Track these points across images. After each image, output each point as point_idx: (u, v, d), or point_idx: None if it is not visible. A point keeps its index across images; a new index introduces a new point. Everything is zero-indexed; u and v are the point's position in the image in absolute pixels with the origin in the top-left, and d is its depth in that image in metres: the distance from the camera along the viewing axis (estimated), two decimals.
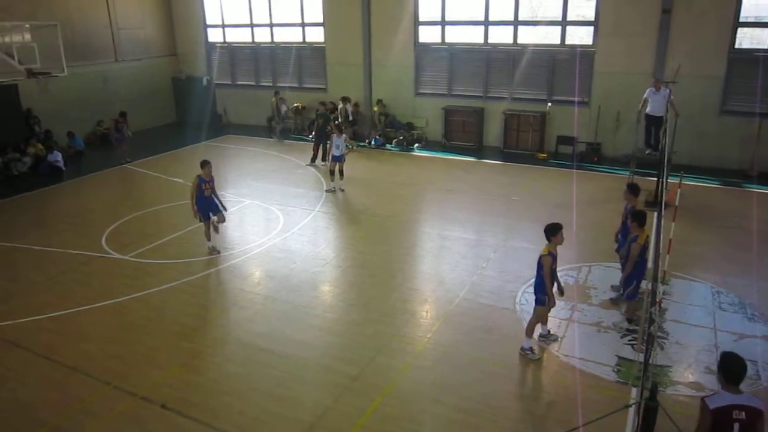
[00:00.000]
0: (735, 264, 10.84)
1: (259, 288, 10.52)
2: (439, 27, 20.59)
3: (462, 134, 20.40)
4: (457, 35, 20.54)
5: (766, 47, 16.82)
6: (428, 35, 20.90)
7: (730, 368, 4.79)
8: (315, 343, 8.74)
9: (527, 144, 19.37)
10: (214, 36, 25.45)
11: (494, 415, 7.04)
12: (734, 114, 17.40)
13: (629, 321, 9.00)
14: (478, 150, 20.00)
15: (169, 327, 9.27)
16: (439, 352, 8.37)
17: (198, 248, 12.01)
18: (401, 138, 20.73)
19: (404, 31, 20.90)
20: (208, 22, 25.36)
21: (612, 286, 10.02)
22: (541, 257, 7.96)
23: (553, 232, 7.95)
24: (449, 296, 9.91)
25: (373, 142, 20.81)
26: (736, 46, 17.03)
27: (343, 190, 15.65)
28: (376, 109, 21.03)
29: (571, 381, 7.70)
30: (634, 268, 8.61)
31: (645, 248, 8.55)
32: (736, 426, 4.64)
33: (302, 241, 12.50)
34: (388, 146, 20.73)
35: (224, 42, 25.24)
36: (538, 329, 8.55)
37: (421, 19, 20.78)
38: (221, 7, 24.70)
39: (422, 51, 21.07)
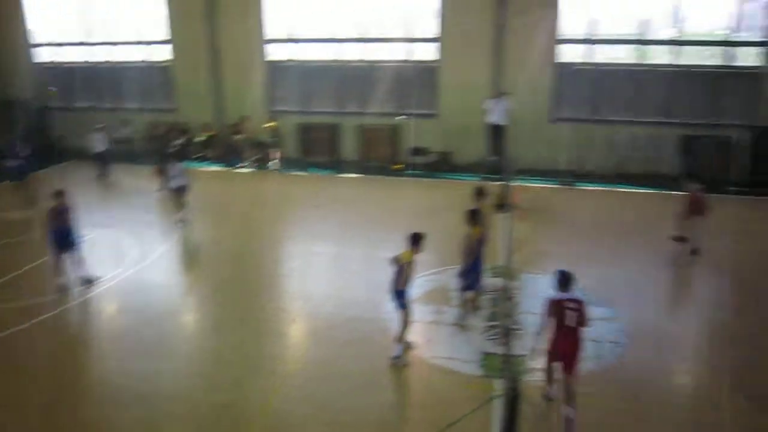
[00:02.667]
0: (573, 255, 11.92)
1: (115, 323, 9.74)
2: (289, 44, 20.61)
3: (319, 150, 20.52)
4: (309, 52, 20.68)
5: (581, 61, 18.91)
6: (279, 53, 20.82)
7: (561, 278, 7.26)
8: (179, 375, 8.27)
9: (383, 156, 19.94)
10: (44, 55, 23.28)
11: (371, 426, 7.10)
12: (562, 120, 19.30)
13: (463, 317, 9.48)
14: (336, 165, 20.22)
15: (21, 373, 8.26)
16: (310, 369, 8.29)
17: (45, 285, 10.82)
18: (256, 157, 20.33)
19: (254, 49, 20.63)
20: (36, 40, 23.17)
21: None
22: (404, 264, 8.17)
23: (419, 240, 8.36)
24: (317, 312, 9.87)
25: (236, 163, 20.06)
26: (559, 60, 18.94)
27: (185, 221, 14.18)
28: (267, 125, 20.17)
29: (440, 381, 8.00)
30: (469, 263, 9.18)
31: (479, 243, 9.17)
32: (568, 312, 7.01)
33: (158, 272, 11.79)
34: (248, 167, 20.23)
35: (55, 61, 23.19)
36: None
37: (270, 36, 20.66)
38: (46, 23, 22.62)
39: (274, 68, 20.93)
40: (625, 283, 11.25)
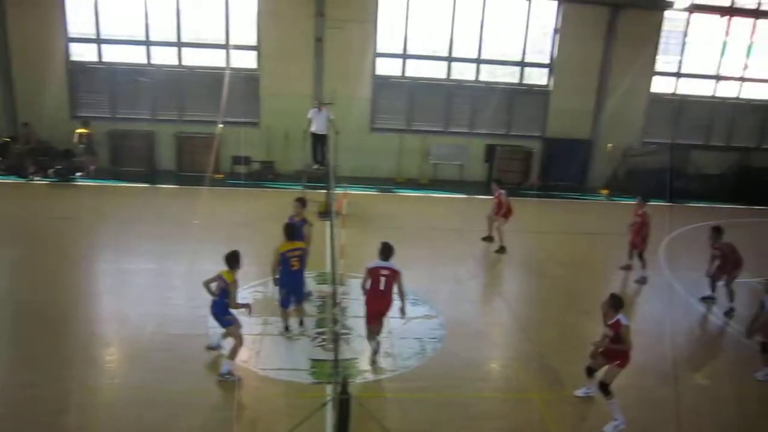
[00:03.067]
0: (395, 258, 12.49)
1: None
2: (95, 45, 18.94)
3: (132, 159, 19.13)
4: (117, 55, 19.20)
5: (398, 74, 20.00)
6: (82, 54, 19.05)
7: (382, 248, 8.55)
8: None
9: (202, 165, 19.13)
10: None
11: None
12: (381, 130, 20.24)
13: (286, 328, 9.39)
14: (151, 175, 18.99)
15: None
16: (131, 395, 7.68)
17: None
18: (59, 167, 18.35)
19: (53, 47, 18.59)
20: None
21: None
22: (228, 284, 7.99)
23: (235, 259, 8.14)
24: (136, 333, 9.18)
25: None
26: (377, 72, 19.81)
27: None
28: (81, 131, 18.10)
29: (272, 393, 7.90)
30: (280, 277, 9.08)
31: (300, 258, 9.02)
32: (382, 279, 8.32)
33: None
34: (45, 177, 18.11)
35: None
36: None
37: (71, 35, 18.81)
38: None
39: (76, 71, 19.06)
40: (443, 282, 12.11)
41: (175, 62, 19.25)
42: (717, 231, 11.48)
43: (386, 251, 8.52)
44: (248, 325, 9.51)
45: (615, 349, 7.54)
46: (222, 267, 8.22)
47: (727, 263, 11.26)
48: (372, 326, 8.66)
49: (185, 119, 19.54)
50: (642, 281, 12.74)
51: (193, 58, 19.35)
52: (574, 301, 11.73)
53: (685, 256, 14.45)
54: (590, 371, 8.00)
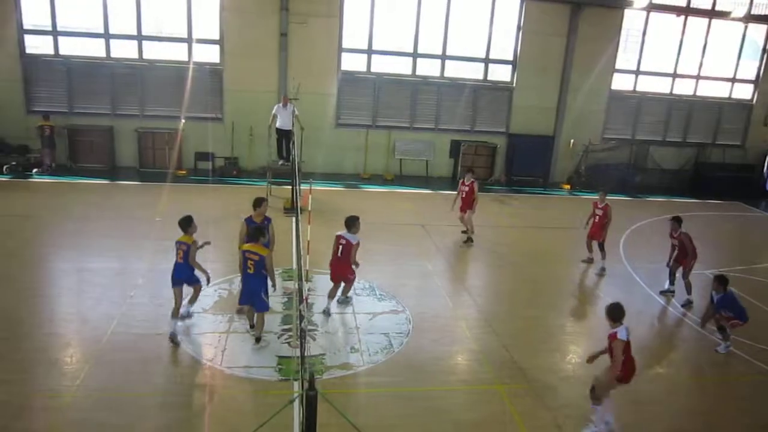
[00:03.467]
0: (361, 254, 12.50)
1: None
2: (51, 38, 18.37)
3: (91, 155, 18.65)
4: (75, 48, 18.65)
5: (363, 70, 19.94)
6: (38, 47, 18.46)
7: (347, 221, 10.02)
8: None
9: (165, 162, 18.83)
10: None
11: None
12: (346, 126, 20.20)
13: (251, 326, 9.23)
14: (112, 171, 18.57)
15: None
16: (93, 398, 7.52)
17: None
18: (14, 164, 17.80)
19: (7, 41, 17.96)
20: None
21: None
22: (189, 246, 8.80)
23: (190, 223, 8.91)
24: (97, 334, 8.99)
25: None
26: (343, 68, 19.76)
27: None
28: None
29: (238, 391, 7.85)
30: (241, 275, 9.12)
31: (244, 258, 8.71)
32: (340, 247, 9.90)
33: None
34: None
35: None
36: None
37: (26, 27, 18.21)
38: None
39: (32, 64, 18.46)
40: (410, 277, 12.18)
41: (136, 56, 18.82)
42: (677, 220, 11.77)
43: (347, 222, 10.02)
44: (213, 323, 9.45)
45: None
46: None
47: (685, 253, 11.59)
48: (332, 288, 10.20)
49: (147, 114, 19.14)
50: (601, 272, 13.10)
51: (154, 52, 18.95)
52: (538, 294, 11.95)
53: (644, 248, 14.84)
54: (594, 391, 7.52)
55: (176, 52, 19.03)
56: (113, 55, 18.75)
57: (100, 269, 11.40)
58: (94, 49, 18.67)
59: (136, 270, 11.45)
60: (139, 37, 18.68)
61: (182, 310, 9.15)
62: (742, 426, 8.03)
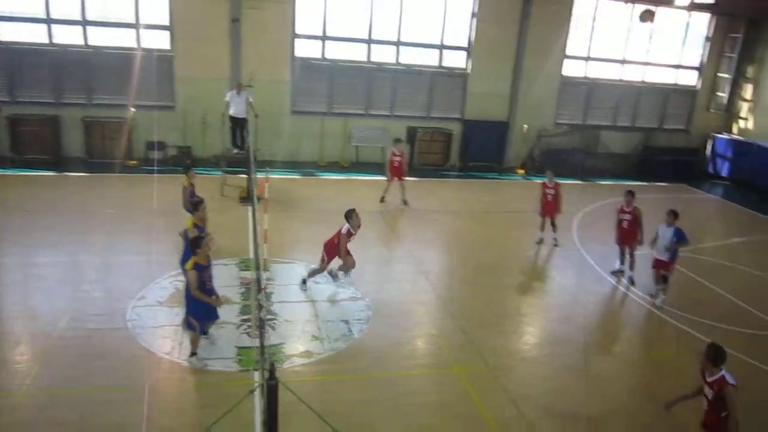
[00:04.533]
0: (320, 241, 12.46)
1: None
2: None
3: (35, 146, 17.88)
4: (15, 34, 17.76)
5: (318, 57, 19.79)
6: None
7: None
8: None
9: (115, 152, 18.22)
10: None
11: None
12: (302, 113, 20.01)
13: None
14: (58, 162, 17.88)
15: None
16: (45, 396, 7.32)
17: None
18: None
19: None
20: None
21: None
22: (186, 272, 7.75)
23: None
24: (48, 330, 8.72)
25: None
26: (298, 54, 19.53)
27: None
28: None
29: (198, 383, 7.77)
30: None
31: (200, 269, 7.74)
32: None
33: None
34: None
35: None
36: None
37: None
38: None
39: None
40: (368, 264, 12.22)
41: (81, 42, 18.12)
42: (631, 194, 11.99)
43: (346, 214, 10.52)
44: (169, 315, 9.30)
45: (716, 416, 5.98)
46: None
47: (635, 227, 11.85)
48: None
49: (94, 103, 18.48)
50: (555, 242, 13.80)
51: (101, 38, 18.27)
52: (494, 276, 12.18)
53: (596, 230, 15.27)
54: None
55: (124, 38, 18.39)
56: (56, 41, 18.00)
57: (50, 264, 11.05)
58: (36, 34, 17.86)
59: (89, 264, 11.14)
60: (84, 23, 17.96)
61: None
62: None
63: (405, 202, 16.08)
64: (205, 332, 8.28)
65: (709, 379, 6.01)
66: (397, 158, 15.87)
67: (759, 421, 7.46)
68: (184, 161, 9.78)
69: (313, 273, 10.69)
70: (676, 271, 11.48)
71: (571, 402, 8.07)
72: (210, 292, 7.92)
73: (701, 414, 6.23)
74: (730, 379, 5.90)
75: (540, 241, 13.97)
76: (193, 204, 9.07)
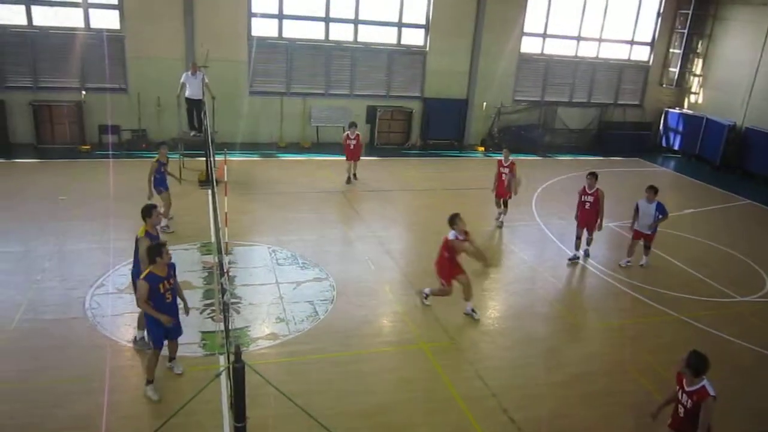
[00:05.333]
0: (282, 223, 12.45)
1: None
2: None
3: None
4: None
5: (275, 36, 19.45)
6: None
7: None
8: None
9: (66, 137, 17.68)
10: None
11: None
12: (260, 94, 19.68)
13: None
14: (6, 149, 17.17)
15: None
16: (4, 389, 7.12)
17: None
18: None
19: None
20: None
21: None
22: (137, 239, 7.61)
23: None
24: (2, 323, 8.47)
25: None
26: (254, 34, 19.15)
27: None
28: None
29: (163, 369, 7.65)
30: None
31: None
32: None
33: None
34: None
35: None
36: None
37: None
38: None
39: None
40: (331, 244, 12.23)
41: (24, 22, 17.35)
42: (593, 176, 11.81)
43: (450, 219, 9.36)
44: (130, 303, 9.08)
45: (690, 424, 5.67)
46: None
47: (597, 209, 11.69)
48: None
49: (41, 86, 17.79)
50: (500, 225, 13.85)
51: (46, 18, 17.54)
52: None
53: (555, 205, 15.57)
54: None
55: (71, 18, 17.70)
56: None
57: (1, 254, 10.68)
58: None
59: (41, 253, 10.81)
60: (28, 1, 17.19)
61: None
62: (644, 364, 8.72)
63: (354, 176, 16.40)
64: (159, 347, 7.22)
65: (689, 389, 5.65)
66: (352, 141, 15.94)
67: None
68: (159, 143, 9.62)
69: (433, 294, 9.77)
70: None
71: (533, 372, 8.29)
72: (169, 308, 7.04)
73: (669, 415, 6.00)
74: (710, 390, 5.54)
75: (500, 223, 13.96)
76: (145, 210, 8.02)
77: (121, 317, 8.81)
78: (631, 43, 24.11)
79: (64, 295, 9.27)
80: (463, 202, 15.72)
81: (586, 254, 12.40)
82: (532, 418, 7.29)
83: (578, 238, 12.20)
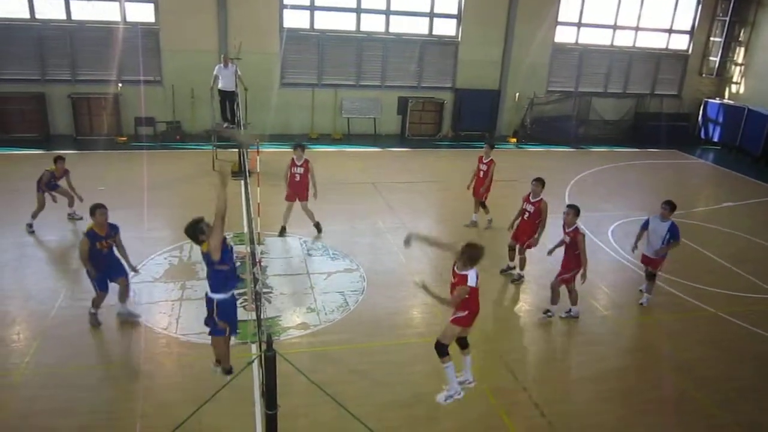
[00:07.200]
0: (316, 213, 12.44)
1: None
2: None
3: (23, 124, 17.69)
4: None
5: (306, 27, 19.50)
6: None
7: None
8: None
9: (103, 129, 18.08)
10: None
11: (128, 419, 6.65)
12: (292, 86, 19.80)
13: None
14: (46, 141, 17.69)
15: None
16: (44, 374, 7.35)
17: None
18: None
19: None
20: None
21: None
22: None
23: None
24: (44, 309, 8.74)
25: None
26: (286, 26, 19.24)
27: None
28: None
29: (195, 357, 7.81)
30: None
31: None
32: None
33: None
34: None
35: None
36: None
37: None
38: None
39: None
40: (362, 235, 12.25)
41: (63, 17, 17.77)
42: (540, 182, 10.15)
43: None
44: (165, 291, 9.32)
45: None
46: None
47: (537, 223, 10.24)
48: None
49: (79, 79, 18.23)
50: (472, 224, 13.02)
51: (84, 12, 17.93)
52: (490, 244, 12.14)
53: (587, 197, 15.30)
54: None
55: (108, 12, 18.06)
56: (38, 16, 17.64)
57: (42, 242, 11.01)
58: (16, 10, 17.48)
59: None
60: None
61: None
62: (679, 360, 8.54)
63: (316, 226, 12.01)
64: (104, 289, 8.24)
65: (458, 273, 7.16)
66: (298, 171, 11.64)
67: (738, 376, 7.62)
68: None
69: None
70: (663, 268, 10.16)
71: (564, 366, 8.20)
72: (105, 258, 8.19)
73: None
74: (471, 281, 7.11)
75: (473, 224, 13.00)
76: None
77: (156, 305, 9.00)
78: (670, 31, 23.48)
79: None
80: (494, 194, 15.60)
81: (519, 277, 10.62)
82: (564, 413, 7.22)
83: (511, 249, 10.74)
